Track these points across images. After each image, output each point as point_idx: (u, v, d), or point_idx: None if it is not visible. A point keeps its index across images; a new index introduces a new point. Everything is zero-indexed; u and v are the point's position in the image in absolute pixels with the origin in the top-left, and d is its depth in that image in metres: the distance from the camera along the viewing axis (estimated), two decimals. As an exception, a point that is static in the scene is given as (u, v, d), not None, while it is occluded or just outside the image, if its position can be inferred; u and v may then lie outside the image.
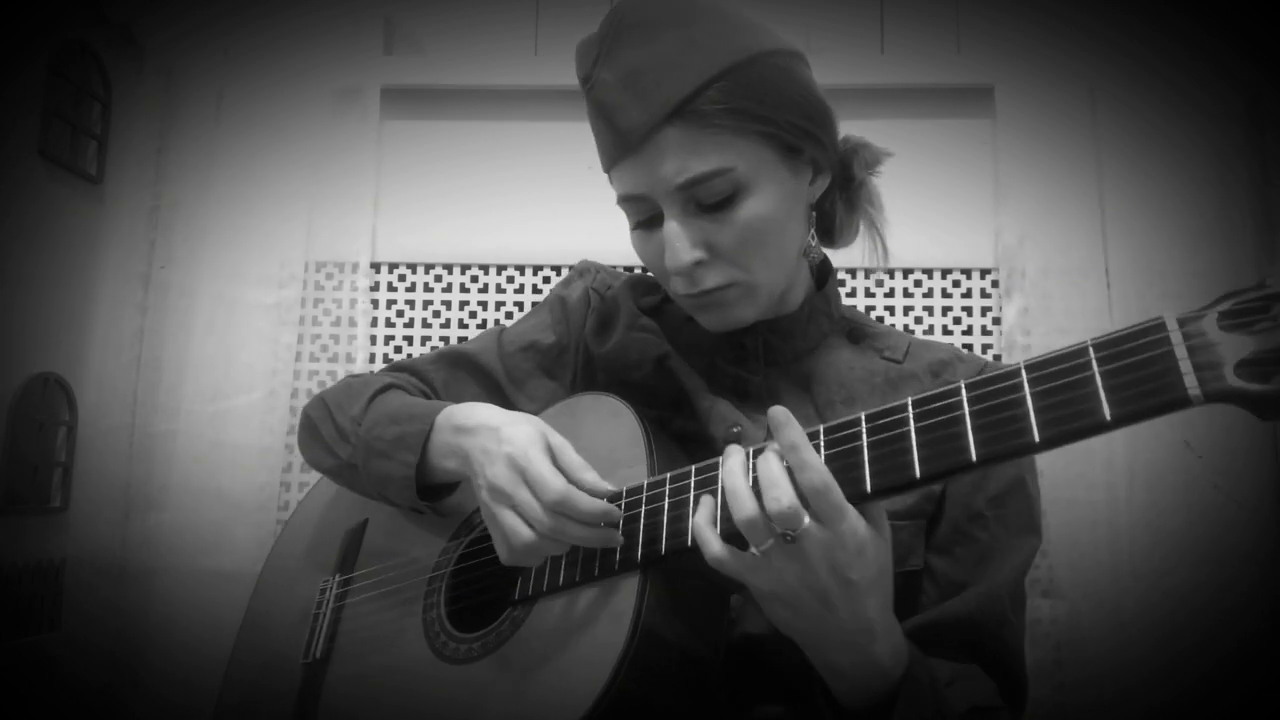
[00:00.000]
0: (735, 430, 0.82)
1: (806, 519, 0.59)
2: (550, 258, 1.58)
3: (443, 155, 1.62)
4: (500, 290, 1.59)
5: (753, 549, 0.61)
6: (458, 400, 0.94)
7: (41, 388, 1.47)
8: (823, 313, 0.89)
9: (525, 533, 0.71)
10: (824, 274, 0.91)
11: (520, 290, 1.59)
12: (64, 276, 1.52)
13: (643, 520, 0.71)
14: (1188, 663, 1.27)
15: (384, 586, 0.88)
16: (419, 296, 1.60)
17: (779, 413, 0.62)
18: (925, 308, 1.51)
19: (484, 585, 0.81)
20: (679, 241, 0.77)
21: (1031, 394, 0.56)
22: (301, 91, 1.56)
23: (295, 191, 1.55)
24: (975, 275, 1.51)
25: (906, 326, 1.51)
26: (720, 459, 0.67)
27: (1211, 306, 0.51)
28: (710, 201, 0.76)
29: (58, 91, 1.47)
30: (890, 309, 1.52)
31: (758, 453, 0.65)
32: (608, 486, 0.73)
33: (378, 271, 1.60)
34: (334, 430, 0.92)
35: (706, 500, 0.66)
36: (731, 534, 0.63)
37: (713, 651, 0.73)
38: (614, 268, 1.01)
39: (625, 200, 0.80)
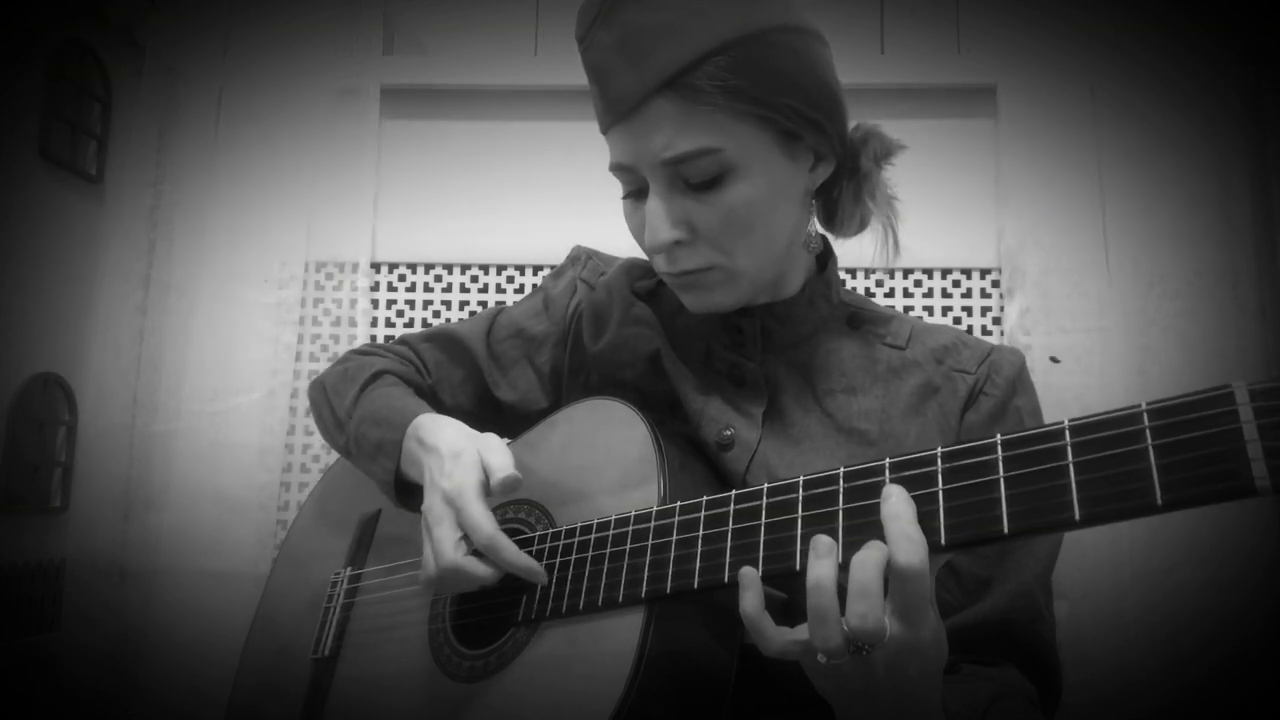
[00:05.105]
0: (728, 433, 0.80)
1: (888, 633, 0.54)
2: (550, 258, 1.58)
3: (443, 155, 1.62)
4: (500, 290, 1.59)
5: (820, 657, 0.56)
6: (448, 381, 0.97)
7: (41, 388, 1.46)
8: (822, 297, 0.86)
9: (430, 567, 0.73)
10: (825, 257, 0.88)
11: (520, 290, 1.59)
12: (64, 276, 1.51)
13: (649, 555, 0.68)
14: (1189, 663, 1.27)
15: (392, 588, 0.87)
16: (419, 296, 1.60)
17: (894, 491, 0.56)
18: (926, 308, 1.51)
19: (489, 600, 0.79)
20: (659, 219, 0.74)
21: (1074, 464, 0.50)
22: (301, 91, 1.56)
23: (295, 191, 1.55)
24: (976, 275, 1.51)
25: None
26: (809, 549, 0.58)
27: None
28: (696, 180, 0.72)
29: (58, 91, 1.47)
30: (890, 309, 1.51)
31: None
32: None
33: (378, 271, 1.60)
34: (331, 418, 0.93)
35: (751, 580, 0.59)
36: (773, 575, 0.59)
37: (725, 671, 0.70)
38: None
39: (615, 169, 0.77)
